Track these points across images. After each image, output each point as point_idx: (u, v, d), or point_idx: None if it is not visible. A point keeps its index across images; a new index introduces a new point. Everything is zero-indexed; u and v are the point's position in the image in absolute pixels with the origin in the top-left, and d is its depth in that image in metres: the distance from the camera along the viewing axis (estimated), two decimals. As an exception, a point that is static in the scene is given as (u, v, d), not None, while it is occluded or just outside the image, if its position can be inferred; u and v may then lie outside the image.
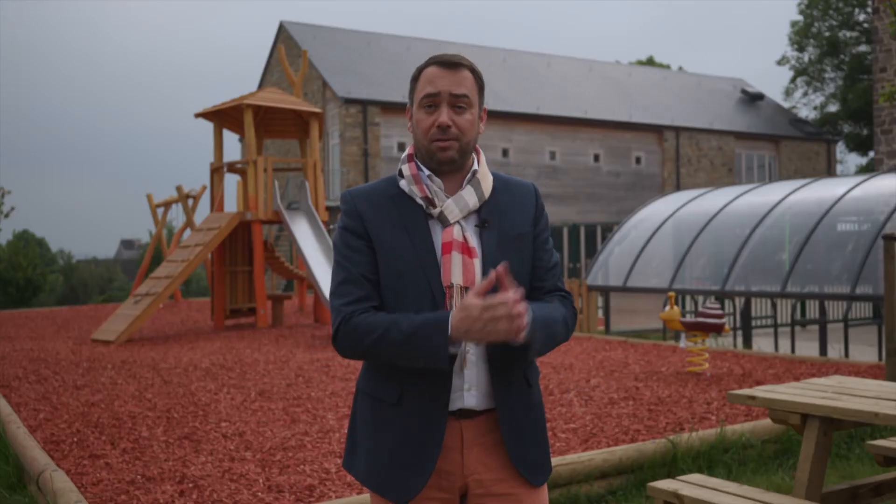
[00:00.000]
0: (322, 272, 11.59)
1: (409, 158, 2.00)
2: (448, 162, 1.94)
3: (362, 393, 2.03)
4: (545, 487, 2.04)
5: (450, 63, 1.93)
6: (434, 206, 1.94)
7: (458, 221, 1.94)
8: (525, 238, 2.00)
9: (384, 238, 1.94)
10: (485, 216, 1.97)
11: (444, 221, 1.94)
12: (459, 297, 1.89)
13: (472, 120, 1.95)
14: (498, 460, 1.95)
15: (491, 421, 1.95)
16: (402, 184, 1.98)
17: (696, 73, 39.69)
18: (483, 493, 1.95)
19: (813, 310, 12.75)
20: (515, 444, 1.95)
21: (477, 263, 1.92)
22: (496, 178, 2.04)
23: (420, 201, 1.95)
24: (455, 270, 1.90)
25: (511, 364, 1.93)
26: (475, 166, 2.00)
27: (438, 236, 1.94)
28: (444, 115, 1.91)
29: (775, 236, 11.24)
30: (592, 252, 21.85)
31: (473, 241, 1.94)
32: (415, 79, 1.98)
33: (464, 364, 1.91)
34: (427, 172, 1.96)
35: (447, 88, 1.91)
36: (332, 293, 1.97)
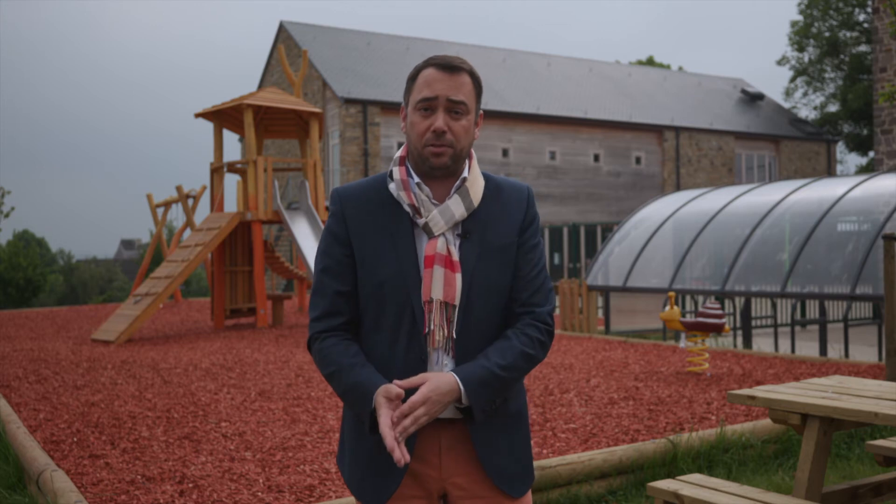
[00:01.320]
0: (322, 272, 11.57)
1: (401, 161, 1.95)
2: (441, 168, 1.89)
3: None
4: (528, 494, 2.02)
5: (449, 66, 1.88)
6: (420, 216, 1.90)
7: (442, 233, 1.90)
8: (508, 249, 1.94)
9: (368, 243, 1.92)
10: (467, 227, 1.92)
11: (428, 233, 1.90)
12: (439, 312, 1.86)
13: (467, 126, 1.90)
14: (476, 465, 1.94)
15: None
16: (392, 187, 1.94)
17: (696, 73, 39.71)
18: (462, 496, 1.95)
19: (813, 310, 12.75)
20: (490, 457, 1.93)
21: (459, 278, 1.88)
22: (489, 182, 1.99)
23: (406, 208, 1.91)
24: (436, 286, 1.86)
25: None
26: (465, 173, 1.94)
27: (423, 247, 1.90)
28: (441, 121, 1.86)
29: (775, 236, 11.23)
30: (592, 252, 21.85)
31: (458, 255, 1.90)
32: (412, 79, 1.92)
33: None
34: (416, 179, 1.91)
35: (445, 93, 1.86)
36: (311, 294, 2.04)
